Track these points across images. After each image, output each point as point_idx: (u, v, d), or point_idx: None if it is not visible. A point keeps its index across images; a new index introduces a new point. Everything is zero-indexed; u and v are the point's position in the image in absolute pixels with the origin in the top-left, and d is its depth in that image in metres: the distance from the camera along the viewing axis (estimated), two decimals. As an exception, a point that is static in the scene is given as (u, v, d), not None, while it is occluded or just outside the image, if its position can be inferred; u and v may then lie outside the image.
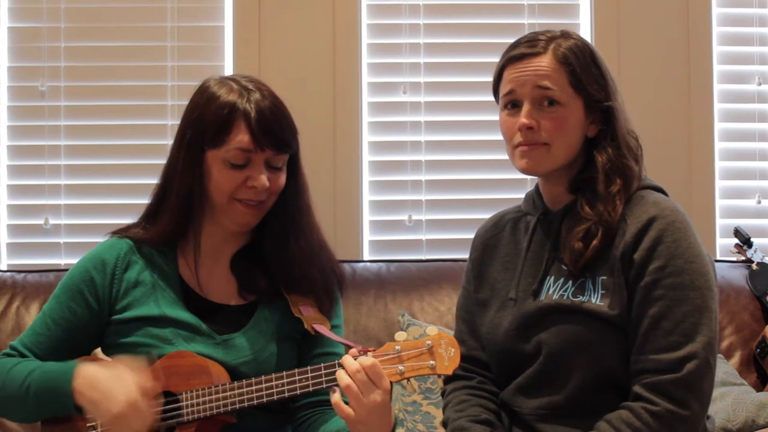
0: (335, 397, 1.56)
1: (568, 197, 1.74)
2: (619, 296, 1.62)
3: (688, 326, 1.56)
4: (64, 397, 1.67)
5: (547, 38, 1.71)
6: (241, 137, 1.71)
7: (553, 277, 1.70)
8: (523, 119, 1.67)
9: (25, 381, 1.72)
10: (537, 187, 1.83)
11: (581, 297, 1.65)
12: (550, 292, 1.69)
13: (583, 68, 1.69)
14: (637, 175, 1.71)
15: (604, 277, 1.64)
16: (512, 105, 1.71)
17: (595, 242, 1.64)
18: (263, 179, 1.72)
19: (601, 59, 1.74)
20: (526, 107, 1.68)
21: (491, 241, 1.86)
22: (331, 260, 1.88)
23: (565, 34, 1.73)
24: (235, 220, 1.77)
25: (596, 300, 1.63)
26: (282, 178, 1.78)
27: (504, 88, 1.72)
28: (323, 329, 1.76)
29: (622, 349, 1.63)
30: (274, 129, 1.73)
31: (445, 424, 1.80)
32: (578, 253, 1.65)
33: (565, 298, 1.66)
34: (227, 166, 1.73)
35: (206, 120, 1.74)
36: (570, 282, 1.67)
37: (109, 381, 1.63)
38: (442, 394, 1.87)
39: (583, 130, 1.71)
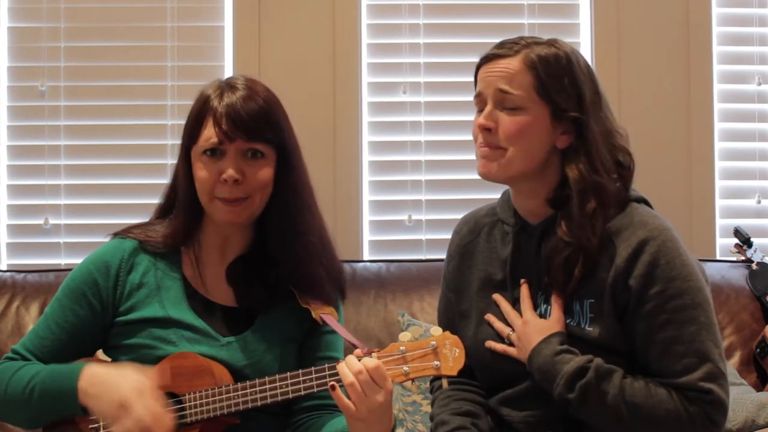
0: (337, 391, 1.56)
1: (546, 210, 1.70)
2: (608, 321, 1.61)
3: (699, 345, 1.58)
4: (69, 397, 1.67)
5: (526, 43, 1.67)
6: (209, 129, 1.72)
7: (543, 296, 1.69)
8: (480, 120, 1.66)
9: (29, 383, 1.71)
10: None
11: (570, 320, 1.65)
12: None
13: (551, 75, 1.64)
14: (614, 193, 1.66)
15: (592, 301, 1.63)
16: (480, 106, 1.69)
17: (576, 273, 1.62)
18: (230, 171, 1.70)
19: (580, 72, 1.67)
20: (488, 108, 1.66)
21: (468, 247, 1.83)
22: (335, 260, 1.86)
23: (550, 43, 1.68)
24: (221, 218, 1.75)
25: (585, 325, 1.63)
26: (264, 171, 1.74)
27: (475, 90, 1.71)
28: (331, 320, 1.74)
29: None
30: (243, 117, 1.70)
31: (432, 418, 1.81)
32: (563, 283, 1.63)
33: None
34: (202, 159, 1.74)
35: (189, 118, 1.78)
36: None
37: (114, 376, 1.65)
38: (431, 391, 1.88)
39: (550, 138, 1.66)
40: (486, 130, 1.65)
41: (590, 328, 1.62)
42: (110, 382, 1.65)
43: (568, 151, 1.66)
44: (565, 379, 1.57)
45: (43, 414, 1.73)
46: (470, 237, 1.84)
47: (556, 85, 1.64)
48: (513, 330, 1.68)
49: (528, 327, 1.65)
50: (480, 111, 1.69)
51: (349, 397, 1.55)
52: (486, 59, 1.69)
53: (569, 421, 1.64)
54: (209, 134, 1.72)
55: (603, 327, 1.61)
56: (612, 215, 1.64)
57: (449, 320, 1.84)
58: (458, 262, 1.84)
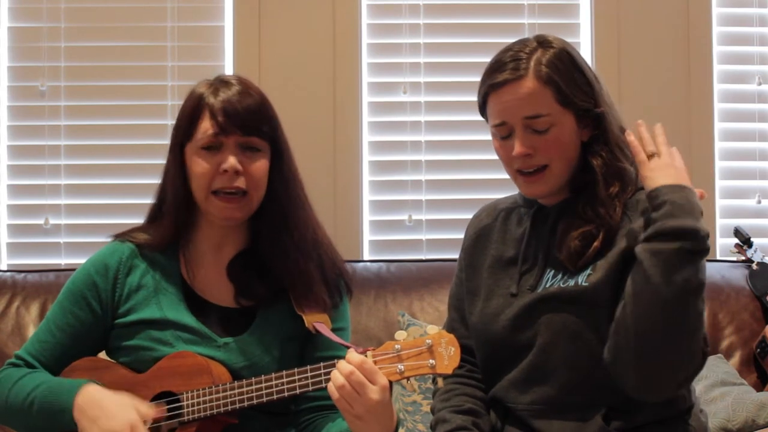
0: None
1: (564, 194, 1.75)
2: (604, 275, 1.64)
3: None
4: (65, 411, 1.67)
5: (526, 55, 1.68)
6: (206, 122, 1.74)
7: (552, 272, 1.71)
8: (518, 149, 1.68)
9: (29, 395, 1.72)
10: None
11: (570, 282, 1.67)
12: (548, 286, 1.70)
13: (567, 81, 1.68)
14: (633, 176, 1.73)
15: (600, 262, 1.66)
16: (502, 133, 1.72)
17: (596, 244, 1.66)
18: (231, 160, 1.72)
19: (581, 62, 1.72)
20: (518, 134, 1.68)
21: (485, 230, 1.86)
22: (333, 258, 1.86)
23: (543, 43, 1.70)
24: (218, 215, 1.76)
25: (582, 281, 1.65)
26: (260, 164, 1.76)
27: (493, 119, 1.72)
28: (324, 328, 1.75)
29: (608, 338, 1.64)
30: (239, 111, 1.74)
31: (432, 411, 1.82)
32: (576, 254, 1.67)
33: (555, 286, 1.69)
34: (200, 153, 1.75)
35: (182, 116, 1.79)
36: (567, 275, 1.69)
37: (112, 405, 1.65)
38: (433, 381, 1.88)
39: (578, 138, 1.71)
40: (526, 155, 1.68)
41: (586, 284, 1.65)
42: (108, 409, 1.65)
43: (589, 142, 1.73)
44: (701, 229, 1.63)
45: (43, 425, 1.72)
46: (488, 221, 1.88)
47: (572, 88, 1.68)
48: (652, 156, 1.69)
49: (676, 162, 1.71)
50: (503, 137, 1.72)
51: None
52: (494, 87, 1.70)
53: (572, 402, 1.65)
54: (206, 128, 1.74)
55: (597, 279, 1.64)
56: (629, 193, 1.71)
57: (459, 300, 1.87)
58: (473, 242, 1.87)
